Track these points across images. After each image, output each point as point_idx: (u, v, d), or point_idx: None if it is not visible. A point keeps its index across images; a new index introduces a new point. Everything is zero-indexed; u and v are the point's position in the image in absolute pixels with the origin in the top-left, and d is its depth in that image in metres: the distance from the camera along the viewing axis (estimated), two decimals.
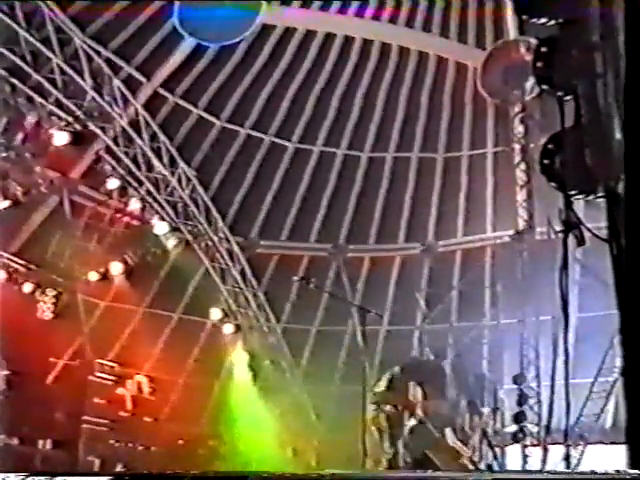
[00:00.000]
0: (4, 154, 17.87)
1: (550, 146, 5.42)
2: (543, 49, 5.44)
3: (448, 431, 14.80)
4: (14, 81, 17.79)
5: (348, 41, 19.91)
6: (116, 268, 19.70)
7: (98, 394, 20.02)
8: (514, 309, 19.03)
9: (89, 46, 18.33)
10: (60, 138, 18.19)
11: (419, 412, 13.41)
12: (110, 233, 19.70)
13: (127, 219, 19.82)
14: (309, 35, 19.78)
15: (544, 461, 17.44)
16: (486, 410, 16.83)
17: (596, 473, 5.17)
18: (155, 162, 19.72)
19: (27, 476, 4.48)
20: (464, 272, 20.97)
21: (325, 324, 21.21)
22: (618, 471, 4.67)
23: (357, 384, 12.35)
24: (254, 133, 20.49)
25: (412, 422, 13.34)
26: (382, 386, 13.43)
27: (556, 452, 17.34)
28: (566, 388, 11.07)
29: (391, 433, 13.02)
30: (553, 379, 15.79)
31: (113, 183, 19.38)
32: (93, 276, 19.50)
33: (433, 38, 19.63)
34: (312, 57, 19.91)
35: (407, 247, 21.51)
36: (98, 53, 18.51)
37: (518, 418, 18.12)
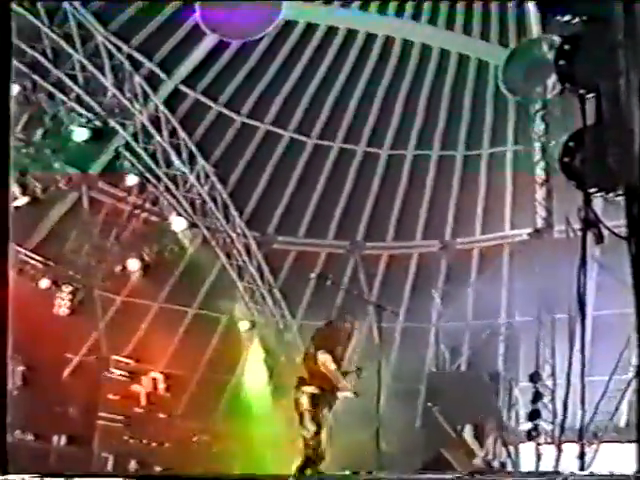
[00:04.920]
0: (24, 150, 17.93)
1: (571, 144, 5.43)
2: (566, 47, 5.45)
3: (468, 428, 14.73)
4: (35, 77, 17.85)
5: (370, 38, 19.91)
6: (133, 264, 19.80)
7: (113, 390, 20.02)
8: (530, 307, 18.98)
9: (110, 42, 18.37)
10: (80, 134, 18.29)
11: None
12: (128, 229, 19.78)
13: (145, 215, 19.89)
14: (331, 32, 19.79)
15: (558, 459, 17.38)
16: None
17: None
18: (174, 158, 19.77)
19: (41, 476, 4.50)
20: (481, 270, 20.94)
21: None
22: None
23: (372, 382, 12.30)
24: (273, 129, 20.53)
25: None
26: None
27: (570, 450, 17.28)
28: (582, 386, 11.07)
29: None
30: (569, 377, 15.73)
31: (132, 179, 19.47)
32: (110, 272, 19.60)
33: (455, 35, 19.60)
34: (333, 54, 19.92)
35: (425, 244, 21.51)
36: (119, 49, 18.55)
37: (532, 416, 18.07)
